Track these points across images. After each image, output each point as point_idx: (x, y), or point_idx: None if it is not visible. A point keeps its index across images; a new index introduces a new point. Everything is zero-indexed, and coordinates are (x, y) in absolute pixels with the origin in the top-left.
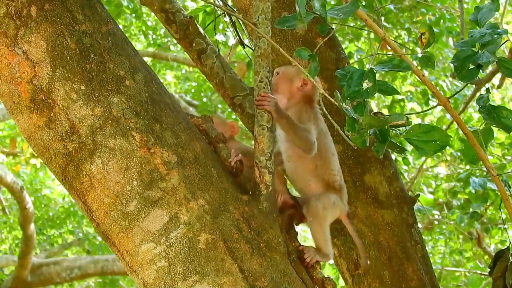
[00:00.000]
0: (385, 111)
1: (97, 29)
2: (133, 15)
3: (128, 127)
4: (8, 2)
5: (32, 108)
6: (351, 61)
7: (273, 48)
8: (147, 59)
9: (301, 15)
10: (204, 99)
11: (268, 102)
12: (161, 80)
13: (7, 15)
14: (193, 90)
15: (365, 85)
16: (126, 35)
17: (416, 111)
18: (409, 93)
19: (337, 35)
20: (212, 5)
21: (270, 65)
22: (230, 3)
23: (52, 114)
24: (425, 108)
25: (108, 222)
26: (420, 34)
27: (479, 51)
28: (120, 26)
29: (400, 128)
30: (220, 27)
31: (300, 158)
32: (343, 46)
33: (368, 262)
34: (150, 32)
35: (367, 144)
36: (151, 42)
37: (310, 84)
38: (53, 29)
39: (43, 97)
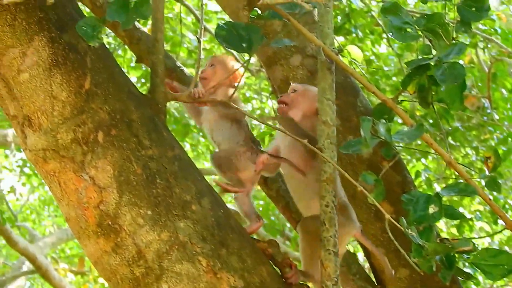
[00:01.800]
0: (454, 230)
1: (163, 154)
2: (200, 134)
3: (194, 252)
4: (75, 128)
5: (99, 233)
6: (418, 180)
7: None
8: (214, 177)
9: (366, 140)
10: (272, 218)
11: None
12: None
13: (74, 140)
14: (261, 209)
15: (431, 209)
16: (194, 153)
17: (484, 230)
18: (477, 212)
19: (403, 153)
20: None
21: (336, 190)
22: None
23: (118, 239)
24: (494, 227)
25: None
26: (486, 157)
27: None
28: (188, 145)
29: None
30: None
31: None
32: (410, 165)
33: (393, 272)
34: None
35: (434, 269)
36: None
37: None
38: (120, 154)
39: (110, 222)
